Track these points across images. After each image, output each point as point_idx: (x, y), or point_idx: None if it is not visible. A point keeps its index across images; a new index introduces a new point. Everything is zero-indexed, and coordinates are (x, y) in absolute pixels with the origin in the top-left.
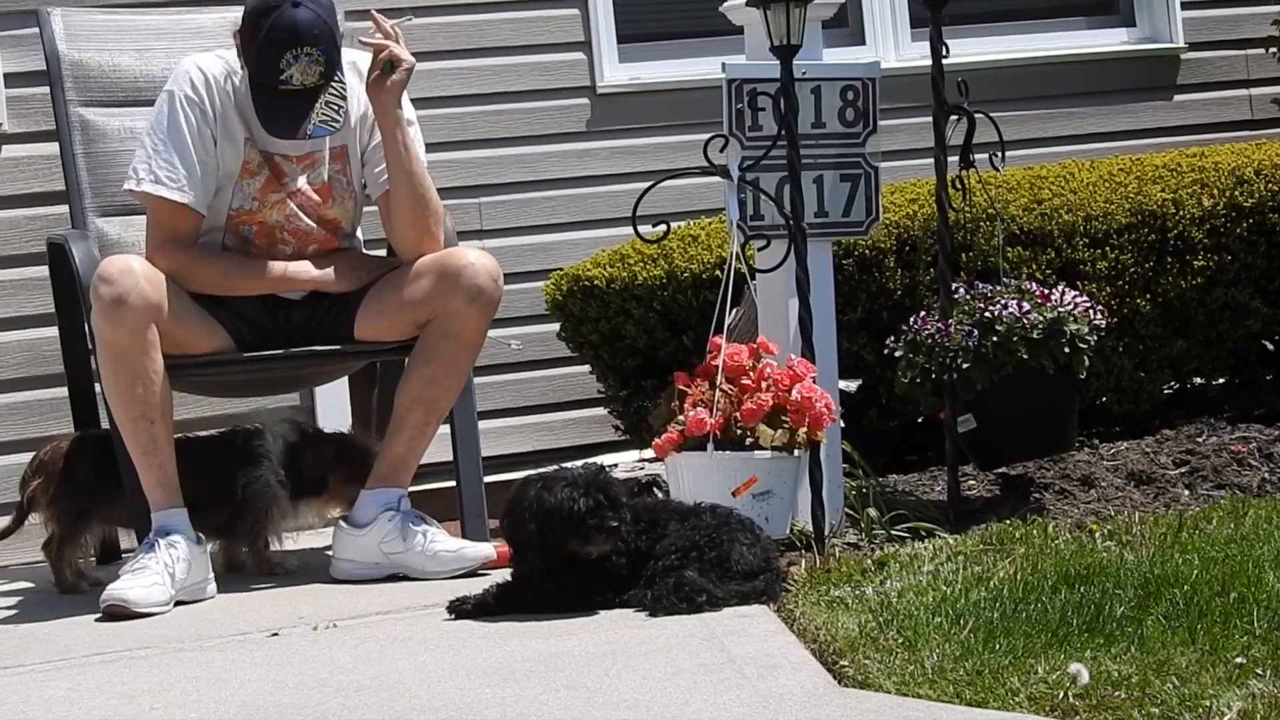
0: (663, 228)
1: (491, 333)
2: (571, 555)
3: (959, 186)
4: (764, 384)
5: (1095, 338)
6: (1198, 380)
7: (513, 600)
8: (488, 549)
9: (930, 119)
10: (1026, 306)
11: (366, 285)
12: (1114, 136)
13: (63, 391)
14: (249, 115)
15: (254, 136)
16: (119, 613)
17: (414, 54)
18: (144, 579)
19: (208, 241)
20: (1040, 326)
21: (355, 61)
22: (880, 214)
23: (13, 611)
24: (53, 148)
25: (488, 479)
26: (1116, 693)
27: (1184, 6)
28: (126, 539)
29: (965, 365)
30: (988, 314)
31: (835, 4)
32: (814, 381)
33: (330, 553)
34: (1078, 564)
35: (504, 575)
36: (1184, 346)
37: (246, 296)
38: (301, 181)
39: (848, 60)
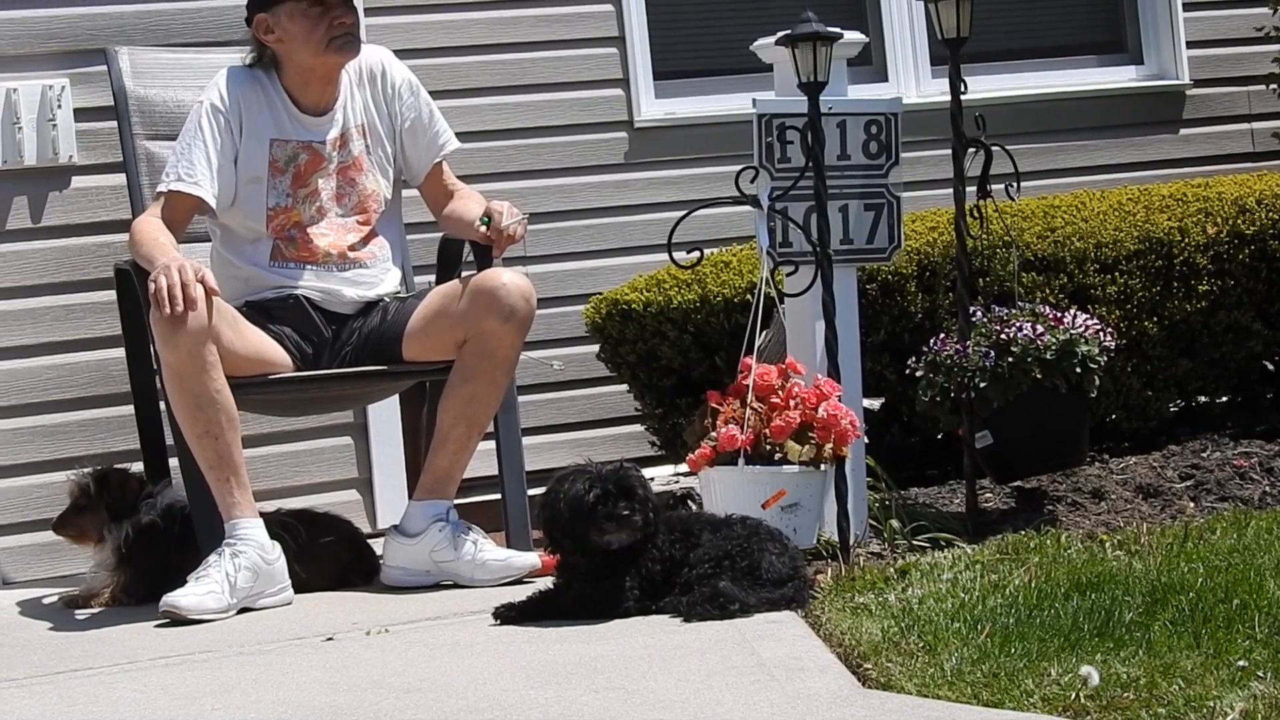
0: (696, 254)
1: (534, 354)
2: (598, 546)
3: (977, 215)
4: (792, 402)
5: (1105, 358)
6: (1202, 399)
7: (554, 606)
8: (533, 558)
9: (949, 151)
10: (1040, 329)
11: (410, 309)
12: (1123, 168)
13: (129, 409)
14: (278, 111)
15: (288, 129)
16: (172, 617)
17: (460, 90)
18: (201, 587)
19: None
20: (1053, 348)
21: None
22: (902, 241)
23: (82, 617)
24: (119, 179)
25: (531, 492)
26: (1125, 694)
27: (1189, 45)
28: None
29: (982, 384)
30: (1004, 336)
31: (860, 43)
32: (839, 400)
33: (381, 561)
34: (1089, 572)
35: (547, 583)
36: (1189, 367)
37: (302, 321)
38: (337, 160)
39: (871, 96)
